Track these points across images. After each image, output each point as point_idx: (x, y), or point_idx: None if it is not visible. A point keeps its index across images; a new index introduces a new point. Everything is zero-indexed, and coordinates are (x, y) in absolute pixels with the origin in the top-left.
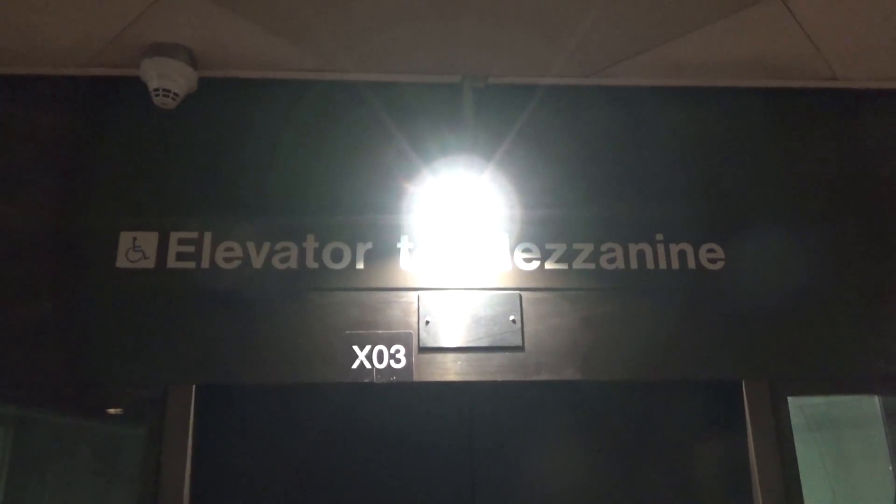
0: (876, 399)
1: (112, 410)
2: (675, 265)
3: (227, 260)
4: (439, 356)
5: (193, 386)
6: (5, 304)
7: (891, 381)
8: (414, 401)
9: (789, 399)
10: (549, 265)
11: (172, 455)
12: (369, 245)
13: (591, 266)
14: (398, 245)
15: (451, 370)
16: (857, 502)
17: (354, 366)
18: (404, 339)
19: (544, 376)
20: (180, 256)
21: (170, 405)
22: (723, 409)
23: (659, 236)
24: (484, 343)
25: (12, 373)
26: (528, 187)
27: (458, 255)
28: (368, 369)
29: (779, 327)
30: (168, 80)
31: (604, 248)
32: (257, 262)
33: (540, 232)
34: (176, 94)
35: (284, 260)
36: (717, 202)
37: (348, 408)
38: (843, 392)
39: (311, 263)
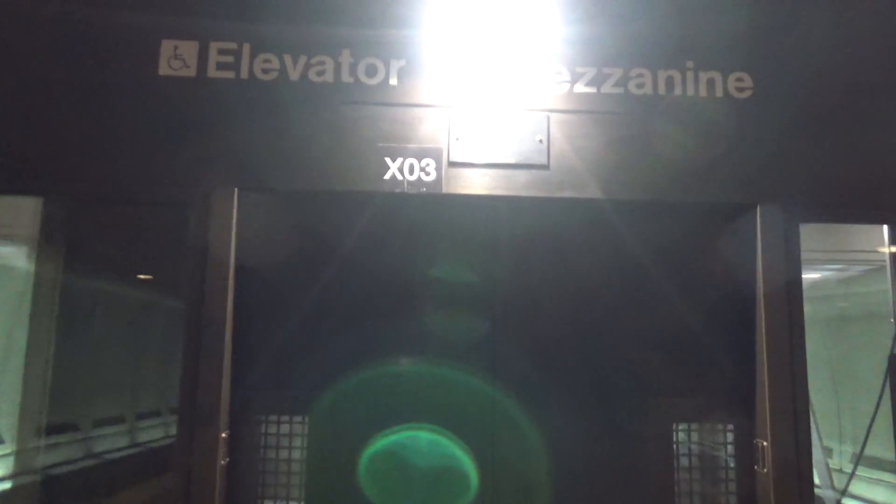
0: (888, 295)
1: (143, 276)
2: (703, 92)
3: (265, 71)
4: (468, 171)
5: (235, 189)
6: (53, 107)
7: None
8: (443, 213)
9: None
10: (578, 88)
11: (217, 255)
12: (403, 62)
13: (620, 90)
14: (431, 63)
15: (478, 184)
16: (853, 387)
17: (387, 176)
18: (434, 154)
19: (567, 194)
20: (220, 66)
21: (213, 206)
22: (736, 233)
23: (689, 63)
24: (511, 160)
25: (63, 172)
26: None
27: (490, 76)
28: (400, 180)
29: (799, 156)
30: None
31: (633, 73)
32: (294, 75)
33: (571, 54)
34: None
35: (320, 73)
36: (751, 29)
37: (381, 217)
38: (855, 220)
39: (347, 78)
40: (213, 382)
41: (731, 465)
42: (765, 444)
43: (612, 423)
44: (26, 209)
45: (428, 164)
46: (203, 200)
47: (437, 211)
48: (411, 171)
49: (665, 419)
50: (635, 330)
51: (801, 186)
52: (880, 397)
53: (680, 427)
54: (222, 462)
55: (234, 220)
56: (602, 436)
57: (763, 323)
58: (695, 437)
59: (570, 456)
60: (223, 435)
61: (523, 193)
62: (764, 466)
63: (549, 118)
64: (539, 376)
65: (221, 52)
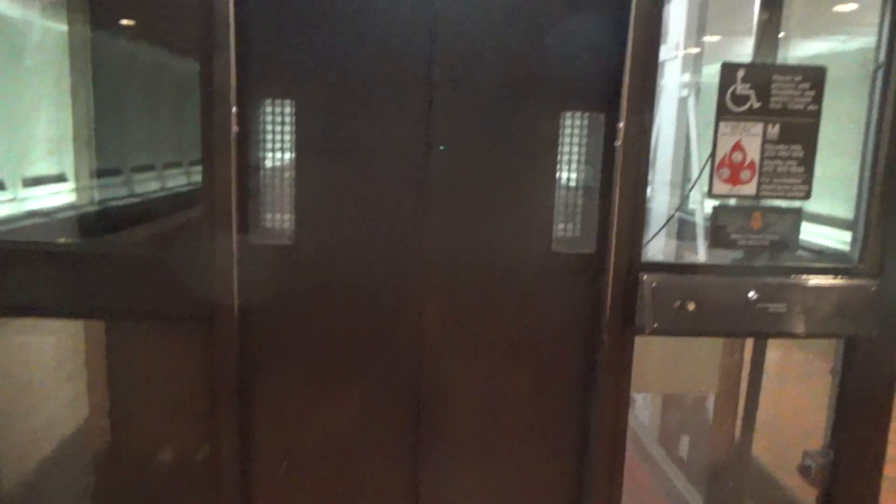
0: None
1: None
2: None
3: None
4: None
5: None
6: None
7: None
8: None
9: None
10: None
11: None
12: None
13: None
14: None
15: None
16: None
17: None
18: None
19: None
20: None
21: None
22: None
23: None
24: None
25: None
26: None
27: None
28: None
29: None
30: None
31: None
32: None
33: None
34: None
35: None
36: None
37: None
38: None
39: None
40: (224, 72)
41: (601, 142)
42: (621, 125)
43: (517, 108)
44: None
45: None
46: None
47: None
48: None
49: (555, 108)
50: (539, 44)
51: None
52: None
53: (566, 114)
54: (235, 129)
55: None
56: (511, 118)
57: (630, 52)
58: (577, 122)
59: (484, 129)
60: (234, 109)
61: None
62: (618, 140)
63: None
64: (468, 66)
65: None
